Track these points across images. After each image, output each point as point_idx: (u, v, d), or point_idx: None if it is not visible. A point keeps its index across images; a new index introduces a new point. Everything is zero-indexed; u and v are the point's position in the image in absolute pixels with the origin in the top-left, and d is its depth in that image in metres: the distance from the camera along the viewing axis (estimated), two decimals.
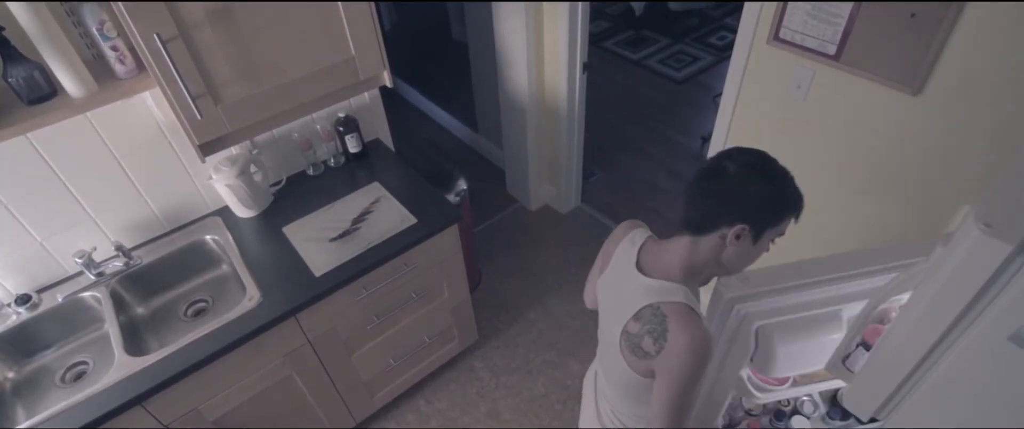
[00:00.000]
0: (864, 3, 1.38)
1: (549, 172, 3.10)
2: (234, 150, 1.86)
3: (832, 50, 1.50)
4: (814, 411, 1.52)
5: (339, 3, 1.47)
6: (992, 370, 0.98)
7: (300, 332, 1.70)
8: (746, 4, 1.66)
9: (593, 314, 2.66)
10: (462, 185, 2.42)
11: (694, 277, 1.05)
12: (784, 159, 1.86)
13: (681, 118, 3.87)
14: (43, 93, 1.32)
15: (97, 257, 1.73)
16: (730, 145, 1.95)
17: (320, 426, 2.01)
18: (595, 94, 4.10)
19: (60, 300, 1.67)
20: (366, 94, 2.09)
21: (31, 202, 1.59)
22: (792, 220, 1.01)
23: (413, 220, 1.83)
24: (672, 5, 4.91)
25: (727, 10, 4.97)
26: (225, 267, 1.89)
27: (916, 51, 1.34)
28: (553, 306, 2.67)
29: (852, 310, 1.21)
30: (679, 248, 1.04)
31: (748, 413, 1.56)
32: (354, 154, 2.11)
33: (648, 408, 1.07)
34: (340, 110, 2.05)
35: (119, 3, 1.18)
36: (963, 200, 1.46)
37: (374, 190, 1.98)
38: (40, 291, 1.70)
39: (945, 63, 1.33)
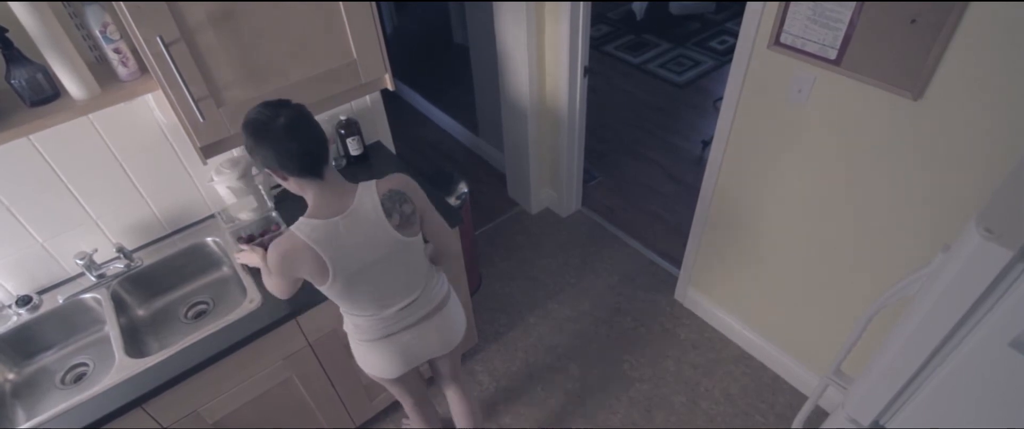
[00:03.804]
0: (865, 8, 1.39)
1: (550, 175, 3.10)
2: (235, 152, 1.87)
3: (833, 55, 1.50)
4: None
5: (341, 5, 1.48)
6: (993, 375, 0.98)
7: (300, 334, 1.70)
8: (747, 8, 1.66)
9: (593, 318, 2.68)
10: (463, 188, 2.43)
11: (308, 205, 1.32)
12: (784, 162, 1.87)
13: (682, 122, 3.88)
14: (46, 95, 1.32)
15: (98, 259, 1.73)
16: (731, 149, 1.97)
17: (320, 428, 2.01)
18: (596, 98, 4.13)
19: (61, 301, 1.67)
20: (367, 97, 2.09)
21: (33, 203, 1.59)
22: (281, 166, 1.23)
23: None
24: (673, 8, 4.92)
25: (728, 14, 4.98)
26: (226, 269, 1.89)
27: (917, 56, 1.35)
28: (553, 309, 2.67)
29: None
30: None
31: None
32: (355, 156, 2.11)
33: None
34: (342, 113, 2.05)
35: (122, 4, 1.18)
36: (963, 205, 1.46)
37: None
38: (41, 292, 1.70)
39: (946, 68, 1.33)
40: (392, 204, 1.34)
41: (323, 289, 1.34)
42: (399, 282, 1.43)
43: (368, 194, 1.32)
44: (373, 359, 1.54)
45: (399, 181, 1.38)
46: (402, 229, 1.36)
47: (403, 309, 1.47)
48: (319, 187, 1.28)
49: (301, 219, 1.28)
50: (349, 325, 1.51)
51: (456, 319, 1.62)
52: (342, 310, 1.47)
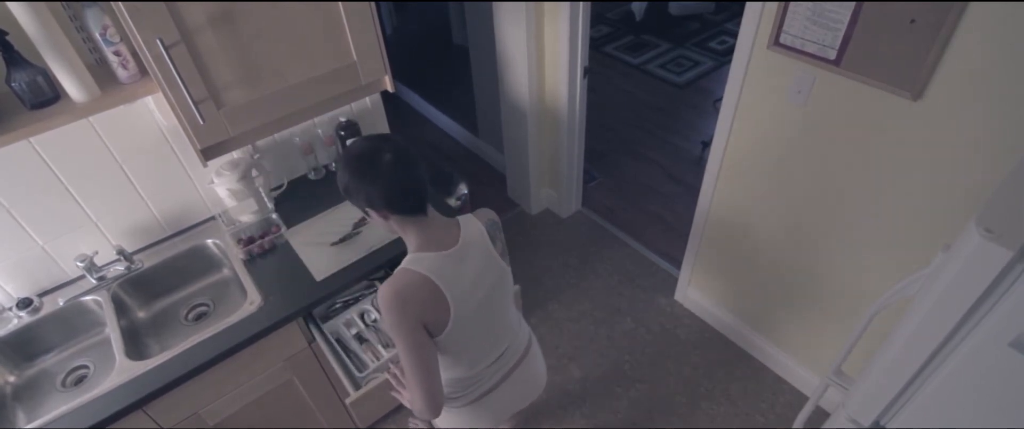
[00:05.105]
0: (864, 8, 1.39)
1: (550, 176, 3.10)
2: (236, 154, 1.87)
3: (832, 55, 1.50)
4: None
5: (340, 5, 1.48)
6: (993, 375, 0.98)
7: (301, 336, 1.70)
8: (746, 9, 1.66)
9: (593, 319, 2.67)
10: (463, 189, 2.43)
11: (408, 242, 1.21)
12: (783, 163, 1.87)
13: (682, 122, 3.88)
14: (46, 97, 1.32)
15: (99, 261, 1.73)
16: (731, 149, 1.97)
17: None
18: (596, 98, 4.13)
19: (61, 304, 1.67)
20: (367, 98, 2.09)
21: (33, 206, 1.59)
22: (387, 205, 1.13)
23: None
24: (672, 9, 4.93)
25: (728, 15, 4.98)
26: (226, 271, 1.89)
27: (916, 56, 1.35)
28: (554, 310, 2.67)
29: None
30: None
31: None
32: None
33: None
34: (342, 114, 2.05)
35: (121, 6, 1.18)
36: (964, 206, 1.46)
37: None
38: (41, 295, 1.70)
39: (945, 68, 1.33)
40: (494, 232, 1.28)
41: (439, 340, 1.20)
42: (499, 322, 1.34)
43: (473, 224, 1.25)
44: (465, 423, 1.43)
45: (492, 213, 1.33)
46: (503, 257, 1.29)
47: (497, 361, 1.36)
48: (423, 224, 1.18)
49: (410, 255, 1.18)
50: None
51: (540, 364, 1.51)
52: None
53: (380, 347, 1.68)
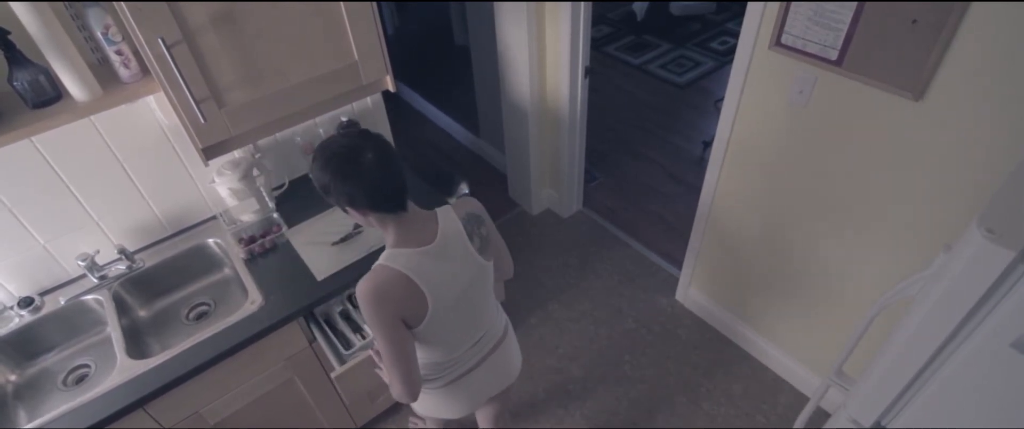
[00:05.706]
0: (866, 9, 1.39)
1: (551, 176, 3.10)
2: (237, 154, 1.87)
3: (834, 56, 1.50)
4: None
5: (342, 6, 1.48)
6: (995, 376, 0.98)
7: (302, 335, 1.71)
8: (748, 9, 1.66)
9: (594, 319, 2.67)
10: (464, 189, 2.43)
11: (386, 237, 1.22)
12: (785, 163, 1.87)
13: (683, 123, 3.88)
14: (48, 97, 1.32)
15: (100, 260, 1.73)
16: (732, 149, 1.97)
17: (322, 428, 2.02)
18: (597, 99, 4.13)
19: (62, 303, 1.67)
20: (369, 98, 2.09)
21: (35, 205, 1.59)
22: (368, 205, 1.12)
23: None
24: (673, 9, 4.93)
25: (729, 15, 4.98)
26: (227, 271, 1.90)
27: (918, 56, 1.35)
28: (554, 311, 2.67)
29: None
30: None
31: None
32: None
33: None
34: (343, 114, 2.05)
35: (123, 5, 1.18)
36: (965, 206, 1.46)
37: None
38: (43, 294, 1.71)
39: (947, 68, 1.33)
40: (472, 227, 1.27)
41: (417, 331, 1.22)
42: (478, 312, 1.35)
43: (450, 219, 1.25)
44: (441, 404, 1.45)
45: (473, 204, 1.32)
46: (482, 253, 1.29)
47: (474, 346, 1.39)
48: (403, 220, 1.18)
49: (388, 251, 1.18)
50: None
51: (515, 351, 1.54)
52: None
53: (366, 326, 1.70)
